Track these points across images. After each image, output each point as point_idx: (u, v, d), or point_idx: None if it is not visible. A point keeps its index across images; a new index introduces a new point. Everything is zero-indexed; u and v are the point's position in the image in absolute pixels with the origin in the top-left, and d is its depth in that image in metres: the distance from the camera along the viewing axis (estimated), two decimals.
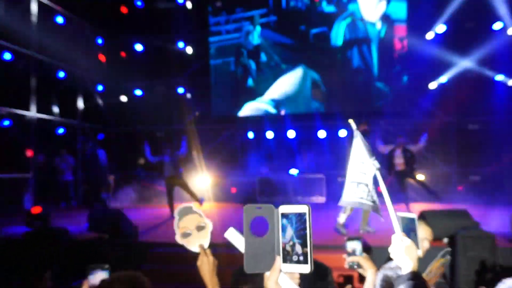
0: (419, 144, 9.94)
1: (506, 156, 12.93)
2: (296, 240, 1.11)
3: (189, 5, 14.49)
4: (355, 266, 2.47)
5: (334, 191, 12.57)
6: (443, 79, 13.28)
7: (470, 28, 13.21)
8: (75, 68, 13.07)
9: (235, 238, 1.22)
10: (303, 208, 1.14)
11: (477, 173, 12.57)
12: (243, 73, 14.16)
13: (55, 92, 12.87)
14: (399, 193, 9.92)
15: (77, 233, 7.67)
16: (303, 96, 13.74)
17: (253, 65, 14.09)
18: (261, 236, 1.12)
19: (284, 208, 1.15)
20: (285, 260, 1.11)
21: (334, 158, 13.22)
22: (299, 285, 1.16)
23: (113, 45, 14.86)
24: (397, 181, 9.82)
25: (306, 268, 1.09)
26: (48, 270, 4.28)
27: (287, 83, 13.78)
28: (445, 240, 5.79)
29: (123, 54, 14.84)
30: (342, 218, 7.38)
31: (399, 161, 9.78)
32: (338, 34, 13.65)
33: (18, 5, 10.94)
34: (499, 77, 13.01)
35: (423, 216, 6.47)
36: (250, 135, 14.07)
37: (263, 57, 14.04)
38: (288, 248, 1.11)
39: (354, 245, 2.50)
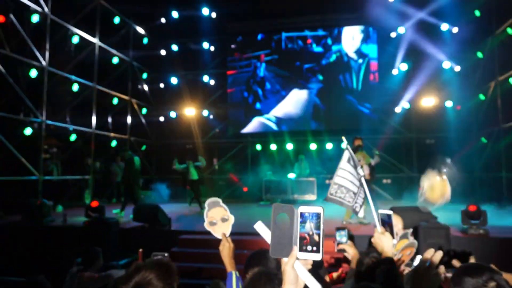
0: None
1: (455, 163, 12.71)
2: (312, 233, 1.10)
3: (212, 48, 14.62)
4: (343, 250, 2.48)
5: (322, 190, 12.48)
6: (406, 104, 13.18)
7: (426, 66, 13.14)
8: (126, 95, 13.17)
9: (262, 230, 1.19)
10: (318, 209, 1.12)
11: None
12: (253, 98, 14.15)
13: (111, 114, 12.97)
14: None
15: (125, 223, 7.64)
16: (303, 116, 13.70)
17: (260, 91, 14.11)
18: (283, 229, 1.10)
19: (303, 208, 1.13)
20: (301, 249, 1.10)
21: (323, 165, 13.19)
22: (310, 270, 1.12)
23: (154, 79, 14.95)
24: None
25: (318, 256, 1.09)
26: (100, 250, 4.24)
27: (290, 104, 13.79)
28: (410, 230, 5.66)
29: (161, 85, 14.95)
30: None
31: (366, 171, 9.76)
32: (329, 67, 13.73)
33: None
34: (448, 103, 12.90)
35: (393, 210, 6.38)
36: (258, 147, 14.02)
37: (268, 85, 14.05)
38: (305, 239, 1.10)
39: (342, 234, 2.50)
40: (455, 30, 12.53)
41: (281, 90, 13.95)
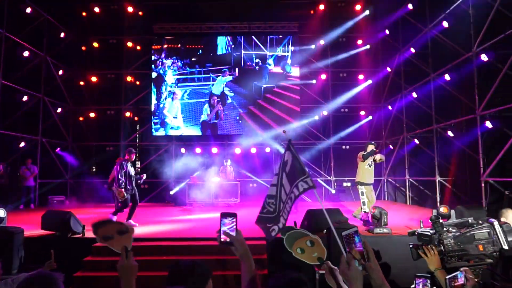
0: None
1: None
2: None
3: (138, 47, 14.17)
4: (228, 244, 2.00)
5: (246, 194, 12.77)
6: (325, 112, 14.06)
7: (343, 77, 14.17)
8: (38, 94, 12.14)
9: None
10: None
11: (349, 181, 13.33)
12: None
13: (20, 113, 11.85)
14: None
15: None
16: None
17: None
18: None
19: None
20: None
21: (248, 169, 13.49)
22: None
23: (72, 76, 14.00)
24: None
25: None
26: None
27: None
28: (324, 231, 6.07)
29: (81, 83, 14.06)
30: (357, 211, 7.75)
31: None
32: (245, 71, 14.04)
33: None
34: (362, 112, 14.03)
35: (309, 213, 6.80)
36: (183, 150, 13.88)
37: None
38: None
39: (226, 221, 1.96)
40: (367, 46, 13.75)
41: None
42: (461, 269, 2.00)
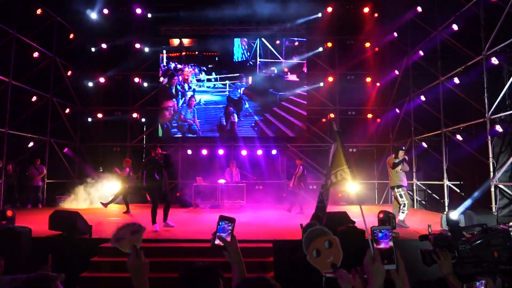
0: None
1: (376, 171, 13.83)
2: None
3: (146, 49, 14.24)
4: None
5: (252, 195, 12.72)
6: (332, 115, 14.02)
7: (351, 80, 14.09)
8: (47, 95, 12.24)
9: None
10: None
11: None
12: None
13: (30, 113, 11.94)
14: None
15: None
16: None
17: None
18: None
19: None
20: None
21: (254, 171, 13.47)
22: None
23: (80, 77, 14.09)
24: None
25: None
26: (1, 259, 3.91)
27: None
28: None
29: (89, 84, 14.15)
30: (401, 216, 7.46)
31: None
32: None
33: None
34: (370, 116, 13.97)
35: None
36: (189, 151, 13.90)
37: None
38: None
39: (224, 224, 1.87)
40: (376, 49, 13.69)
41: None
42: (480, 279, 1.96)
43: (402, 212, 7.42)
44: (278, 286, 1.48)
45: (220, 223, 1.70)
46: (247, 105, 14.01)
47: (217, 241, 1.69)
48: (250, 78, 14.08)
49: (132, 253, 1.61)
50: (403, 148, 8.02)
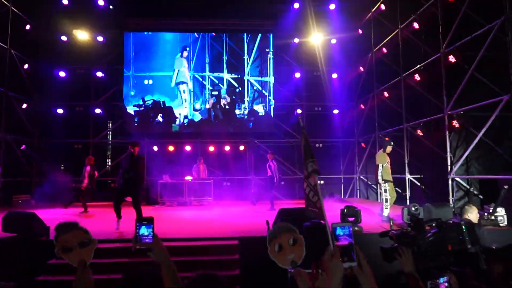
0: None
1: (342, 165, 14.12)
2: None
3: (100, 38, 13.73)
4: None
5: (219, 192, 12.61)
6: (299, 111, 14.11)
7: (317, 76, 14.25)
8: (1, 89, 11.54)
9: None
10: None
11: (322, 179, 13.43)
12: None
13: None
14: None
15: None
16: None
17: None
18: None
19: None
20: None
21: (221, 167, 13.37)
22: None
23: (38, 70, 13.39)
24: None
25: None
26: None
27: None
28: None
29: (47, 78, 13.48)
30: (385, 212, 7.45)
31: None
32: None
33: None
34: (336, 111, 14.19)
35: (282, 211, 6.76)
36: (155, 148, 13.59)
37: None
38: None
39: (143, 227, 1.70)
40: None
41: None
42: (438, 274, 1.99)
43: (386, 208, 7.54)
44: (225, 281, 1.44)
45: (139, 226, 1.56)
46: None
47: (138, 245, 1.56)
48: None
49: (79, 269, 1.46)
50: (392, 143, 8.13)
